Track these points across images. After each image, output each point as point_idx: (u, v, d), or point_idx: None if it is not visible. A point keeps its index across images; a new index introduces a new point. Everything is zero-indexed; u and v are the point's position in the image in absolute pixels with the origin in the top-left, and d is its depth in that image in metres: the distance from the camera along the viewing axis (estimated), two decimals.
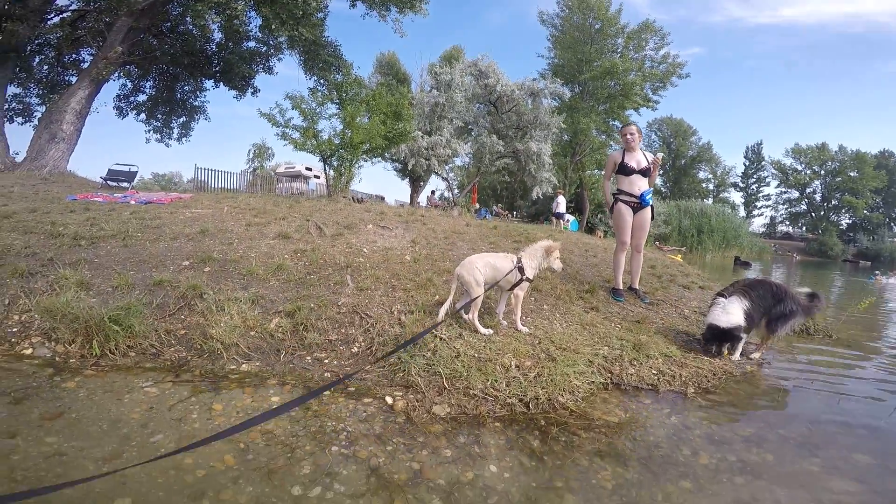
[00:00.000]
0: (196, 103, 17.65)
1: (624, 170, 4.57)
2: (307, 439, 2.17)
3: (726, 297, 3.62)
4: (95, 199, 7.57)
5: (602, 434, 2.39)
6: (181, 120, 17.73)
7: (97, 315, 2.93)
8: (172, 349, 3.00)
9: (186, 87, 17.27)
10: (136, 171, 11.90)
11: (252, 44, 15.81)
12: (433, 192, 24.14)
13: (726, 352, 3.58)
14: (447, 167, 21.00)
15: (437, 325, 3.06)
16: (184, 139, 17.98)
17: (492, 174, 22.43)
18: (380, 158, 16.36)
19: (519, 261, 3.41)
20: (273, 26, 12.59)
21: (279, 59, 16.27)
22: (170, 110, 17.31)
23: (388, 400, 2.55)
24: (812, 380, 3.41)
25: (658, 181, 50.83)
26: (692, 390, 2.98)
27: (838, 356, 4.10)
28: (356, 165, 12.60)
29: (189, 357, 2.94)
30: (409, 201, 22.49)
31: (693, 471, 2.12)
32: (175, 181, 45.37)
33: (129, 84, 16.59)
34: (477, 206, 19.00)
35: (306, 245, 4.99)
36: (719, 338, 3.50)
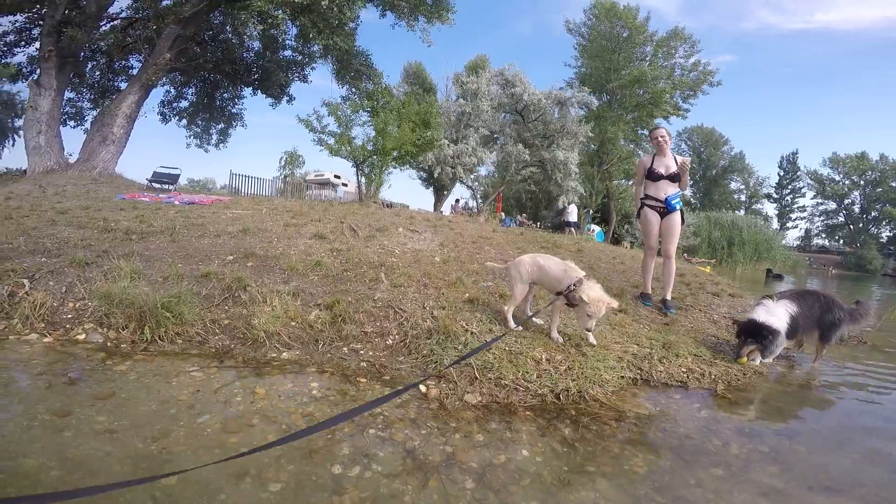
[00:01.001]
0: (234, 110, 18.53)
1: (652, 175, 4.51)
2: (346, 423, 2.27)
3: (773, 301, 3.54)
4: (142, 198, 8.06)
5: (633, 424, 2.44)
6: (220, 126, 18.59)
7: (151, 301, 3.15)
8: (217, 337, 3.18)
9: (226, 95, 18.14)
10: (179, 174, 12.60)
11: (288, 53, 16.54)
12: (457, 201, 24.29)
13: (745, 357, 3.38)
14: (472, 176, 21.17)
15: (503, 334, 3.10)
16: (221, 145, 18.84)
17: (517, 183, 22.47)
18: (408, 166, 16.76)
19: (575, 284, 3.07)
20: (310, 35, 13.16)
21: (313, 69, 16.93)
22: (210, 117, 18.19)
23: (422, 388, 2.65)
24: (845, 381, 3.38)
25: (688, 192, 49.74)
26: (722, 387, 2.99)
27: (872, 360, 4.04)
28: (386, 172, 13.06)
29: (233, 345, 3.12)
30: (432, 210, 22.74)
31: (724, 459, 2.14)
32: (209, 187, 47.17)
33: (173, 91, 17.55)
34: (502, 214, 19.07)
35: (341, 245, 5.21)
36: (749, 332, 3.37)
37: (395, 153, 12.62)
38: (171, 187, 11.94)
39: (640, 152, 25.40)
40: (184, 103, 17.93)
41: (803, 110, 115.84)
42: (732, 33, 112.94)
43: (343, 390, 2.61)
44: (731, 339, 3.80)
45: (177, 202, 7.95)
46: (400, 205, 18.47)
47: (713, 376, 3.10)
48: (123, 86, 14.56)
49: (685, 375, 3.05)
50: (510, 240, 7.01)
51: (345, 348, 3.12)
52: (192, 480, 1.73)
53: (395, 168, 14.33)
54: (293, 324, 3.32)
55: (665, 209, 4.51)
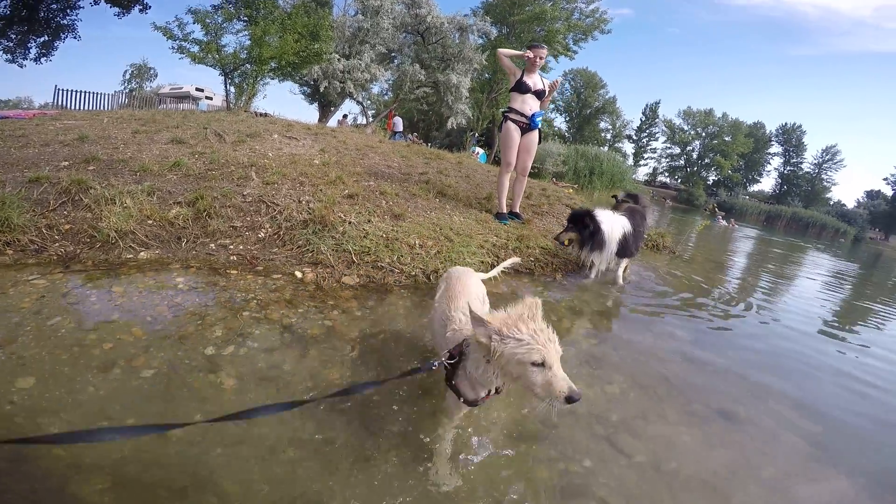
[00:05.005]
0: (64, 22, 14.52)
1: (520, 87, 4.43)
2: (216, 308, 2.28)
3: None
4: None
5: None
6: (42, 39, 14.55)
7: None
8: (57, 244, 2.81)
9: (54, 6, 14.04)
10: None
11: None
12: (345, 116, 22.90)
13: (566, 243, 3.47)
14: (364, 92, 20.15)
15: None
16: (44, 59, 14.91)
17: (410, 102, 22.08)
18: (289, 79, 15.28)
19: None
20: None
21: None
22: (28, 29, 14.03)
23: (298, 274, 2.71)
24: (653, 279, 4.24)
25: (563, 126, 52.99)
26: (560, 276, 3.61)
27: (676, 264, 5.10)
28: (261, 82, 11.89)
29: (78, 250, 2.78)
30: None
31: (558, 332, 2.61)
32: (23, 106, 37.53)
33: None
34: (392, 131, 18.82)
35: (205, 149, 4.75)
36: (574, 220, 3.43)
37: (272, 63, 11.56)
38: None
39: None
40: None
41: (675, 66, 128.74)
42: None
43: (213, 281, 2.56)
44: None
45: None
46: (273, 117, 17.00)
47: (554, 266, 3.68)
48: None
49: (533, 264, 3.58)
50: (396, 149, 7.03)
51: (212, 244, 2.99)
52: (51, 380, 1.63)
53: (272, 79, 13.16)
54: (150, 222, 3.05)
55: (528, 126, 4.49)
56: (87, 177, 3.44)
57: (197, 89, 27.00)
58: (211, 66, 11.30)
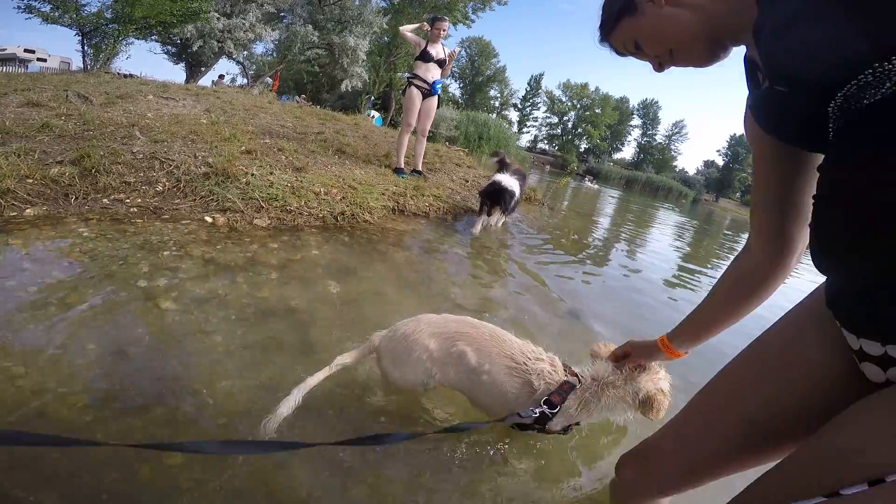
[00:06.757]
0: None
1: (424, 56, 4.89)
2: (135, 250, 2.36)
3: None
4: None
5: (393, 235, 3.34)
6: None
7: None
8: None
9: None
10: None
11: None
12: (221, 77, 20.89)
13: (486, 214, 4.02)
14: (245, 52, 18.57)
15: None
16: None
17: (299, 63, 20.89)
18: (151, 37, 13.67)
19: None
20: None
21: None
22: None
23: (208, 219, 2.87)
24: (528, 224, 5.12)
25: (457, 93, 54.32)
26: (450, 218, 4.26)
27: (548, 215, 6.12)
28: (123, 42, 10.72)
29: None
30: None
31: (442, 254, 3.24)
32: None
33: None
34: (277, 92, 17.79)
35: (71, 111, 4.36)
36: (493, 196, 3.92)
37: (138, 23, 10.57)
38: None
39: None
40: None
41: (559, 40, 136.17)
42: None
43: (121, 229, 2.59)
44: (462, 191, 5.12)
45: None
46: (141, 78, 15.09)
47: (445, 210, 4.33)
48: None
49: (427, 209, 4.17)
50: (287, 110, 6.98)
51: (105, 199, 2.93)
52: None
53: (136, 39, 11.92)
54: (29, 181, 2.87)
55: (429, 91, 5.01)
56: None
57: (26, 50, 23.21)
58: (67, 26, 10.25)
